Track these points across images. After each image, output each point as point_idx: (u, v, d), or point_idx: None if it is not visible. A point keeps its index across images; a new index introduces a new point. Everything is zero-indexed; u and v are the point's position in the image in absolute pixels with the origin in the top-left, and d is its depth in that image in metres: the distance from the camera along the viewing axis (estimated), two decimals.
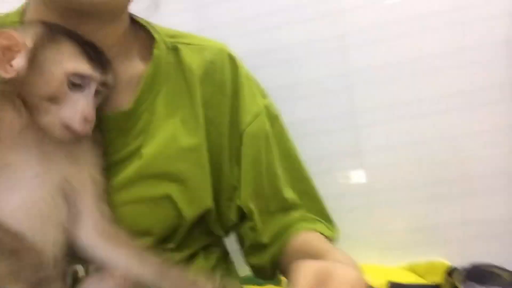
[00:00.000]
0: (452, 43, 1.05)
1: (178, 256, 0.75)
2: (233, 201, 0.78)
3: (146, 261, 0.64)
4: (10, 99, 0.62)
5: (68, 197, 0.64)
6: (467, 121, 1.06)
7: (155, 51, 0.75)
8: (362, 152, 1.11)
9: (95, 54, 0.64)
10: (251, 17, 1.13)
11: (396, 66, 1.09)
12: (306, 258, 0.56)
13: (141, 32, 0.78)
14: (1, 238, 0.57)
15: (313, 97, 1.12)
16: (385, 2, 1.09)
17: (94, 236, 0.65)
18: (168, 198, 0.72)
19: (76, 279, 0.64)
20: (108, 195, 0.68)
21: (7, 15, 0.75)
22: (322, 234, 0.76)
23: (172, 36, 0.79)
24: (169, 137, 0.74)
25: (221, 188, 0.78)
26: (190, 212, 0.74)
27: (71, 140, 0.62)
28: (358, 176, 1.11)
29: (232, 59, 0.80)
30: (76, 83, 0.61)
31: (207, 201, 0.76)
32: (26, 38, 0.62)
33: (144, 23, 0.78)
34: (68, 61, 0.62)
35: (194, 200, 0.75)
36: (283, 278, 0.84)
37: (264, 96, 0.83)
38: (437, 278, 1.01)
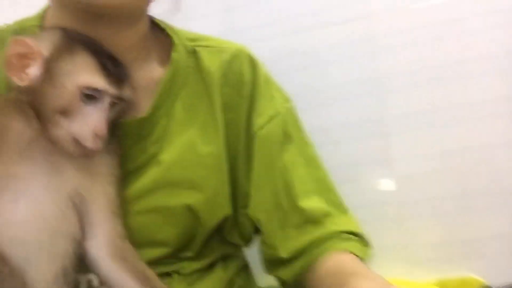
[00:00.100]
0: (487, 48, 1.00)
1: (195, 265, 0.74)
2: (245, 209, 0.75)
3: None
4: (22, 108, 0.61)
5: (79, 209, 0.63)
6: (502, 130, 1.00)
7: (174, 55, 0.74)
8: (392, 160, 1.06)
9: (112, 67, 0.63)
10: (278, 20, 1.10)
11: (428, 71, 1.04)
12: (340, 284, 0.55)
13: (160, 36, 0.77)
14: None
15: (341, 102, 1.08)
16: (418, 4, 1.04)
17: (102, 252, 0.64)
18: (187, 207, 0.71)
19: None
20: (124, 204, 0.67)
21: (27, 19, 0.75)
22: (354, 254, 0.70)
23: (192, 40, 0.77)
24: (188, 143, 0.72)
25: (237, 195, 0.75)
26: (209, 220, 0.73)
27: (82, 155, 0.61)
28: (387, 186, 1.07)
29: (251, 61, 0.78)
30: (89, 97, 0.60)
31: (226, 209, 0.74)
32: (43, 47, 0.61)
33: (164, 26, 0.77)
34: (82, 74, 0.60)
35: (213, 208, 0.73)
36: None
37: (285, 100, 0.80)
38: None
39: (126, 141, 0.69)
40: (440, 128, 1.04)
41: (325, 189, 0.77)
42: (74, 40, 0.63)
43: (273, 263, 0.75)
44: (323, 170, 0.78)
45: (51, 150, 0.61)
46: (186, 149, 0.72)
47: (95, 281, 0.64)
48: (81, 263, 0.63)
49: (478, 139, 1.02)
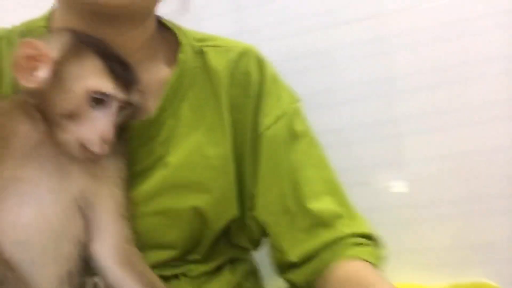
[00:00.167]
0: (501, 47, 0.97)
1: (203, 268, 0.74)
2: (252, 211, 0.74)
3: None
4: (29, 111, 0.61)
5: (85, 212, 0.63)
6: None
7: (180, 56, 0.74)
8: (404, 162, 1.04)
9: (121, 71, 0.62)
10: (290, 20, 1.08)
11: (444, 70, 1.02)
12: None
13: (167, 36, 0.76)
14: None
15: (353, 103, 1.06)
16: (433, 3, 1.02)
17: (109, 256, 0.64)
18: (194, 209, 0.70)
19: None
20: (131, 206, 0.67)
21: (34, 20, 0.75)
22: (367, 261, 0.68)
23: (200, 40, 0.77)
24: (195, 145, 0.72)
25: (244, 196, 0.74)
26: (216, 222, 0.72)
27: (88, 159, 0.61)
28: (399, 189, 1.04)
29: (259, 60, 0.77)
30: (97, 101, 0.60)
31: (233, 211, 0.74)
32: (52, 49, 0.61)
33: (171, 26, 0.76)
34: (90, 78, 0.60)
35: (220, 210, 0.72)
36: None
37: (292, 100, 0.78)
38: None
39: (133, 142, 0.69)
40: (455, 128, 1.01)
41: (334, 190, 0.75)
42: (83, 43, 0.62)
43: (282, 267, 0.74)
44: (331, 170, 0.77)
45: (57, 153, 0.61)
46: (193, 151, 0.71)
47: (101, 284, 0.63)
48: (87, 266, 0.63)
49: (494, 140, 0.99)
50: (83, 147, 0.60)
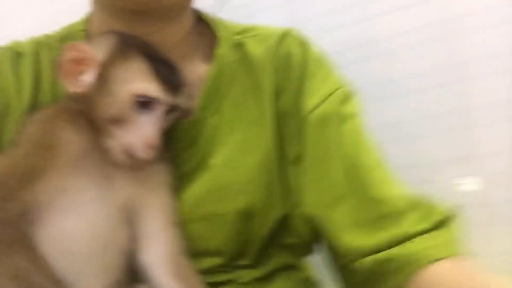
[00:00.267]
0: None
1: (254, 273, 0.70)
2: (299, 208, 0.68)
3: None
4: (73, 118, 0.60)
5: (132, 221, 0.62)
6: None
7: (218, 51, 0.71)
8: (477, 156, 0.95)
9: (168, 74, 0.60)
10: (345, 8, 1.03)
11: None
12: None
13: (206, 31, 0.73)
14: (41, 283, 0.54)
15: (419, 93, 0.99)
16: None
17: (158, 266, 0.62)
18: (239, 211, 0.67)
19: None
20: (176, 212, 0.65)
21: (73, 24, 0.75)
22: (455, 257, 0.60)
23: (240, 32, 0.74)
24: (238, 144, 0.68)
25: (288, 192, 0.69)
26: (262, 224, 0.69)
27: (133, 166, 0.59)
28: (471, 186, 0.96)
29: (300, 41, 0.73)
30: (143, 105, 0.58)
31: (279, 209, 0.69)
32: (97, 53, 0.60)
33: (210, 21, 0.73)
34: (136, 81, 0.58)
35: (265, 210, 0.68)
36: None
37: (341, 83, 0.72)
38: None
39: (175, 145, 0.67)
40: None
41: (394, 177, 0.66)
42: (129, 45, 0.61)
43: (343, 269, 0.67)
44: (383, 157, 0.68)
45: (103, 160, 0.60)
46: (236, 151, 0.68)
47: None
48: (135, 276, 0.62)
49: None
50: (128, 153, 0.58)
